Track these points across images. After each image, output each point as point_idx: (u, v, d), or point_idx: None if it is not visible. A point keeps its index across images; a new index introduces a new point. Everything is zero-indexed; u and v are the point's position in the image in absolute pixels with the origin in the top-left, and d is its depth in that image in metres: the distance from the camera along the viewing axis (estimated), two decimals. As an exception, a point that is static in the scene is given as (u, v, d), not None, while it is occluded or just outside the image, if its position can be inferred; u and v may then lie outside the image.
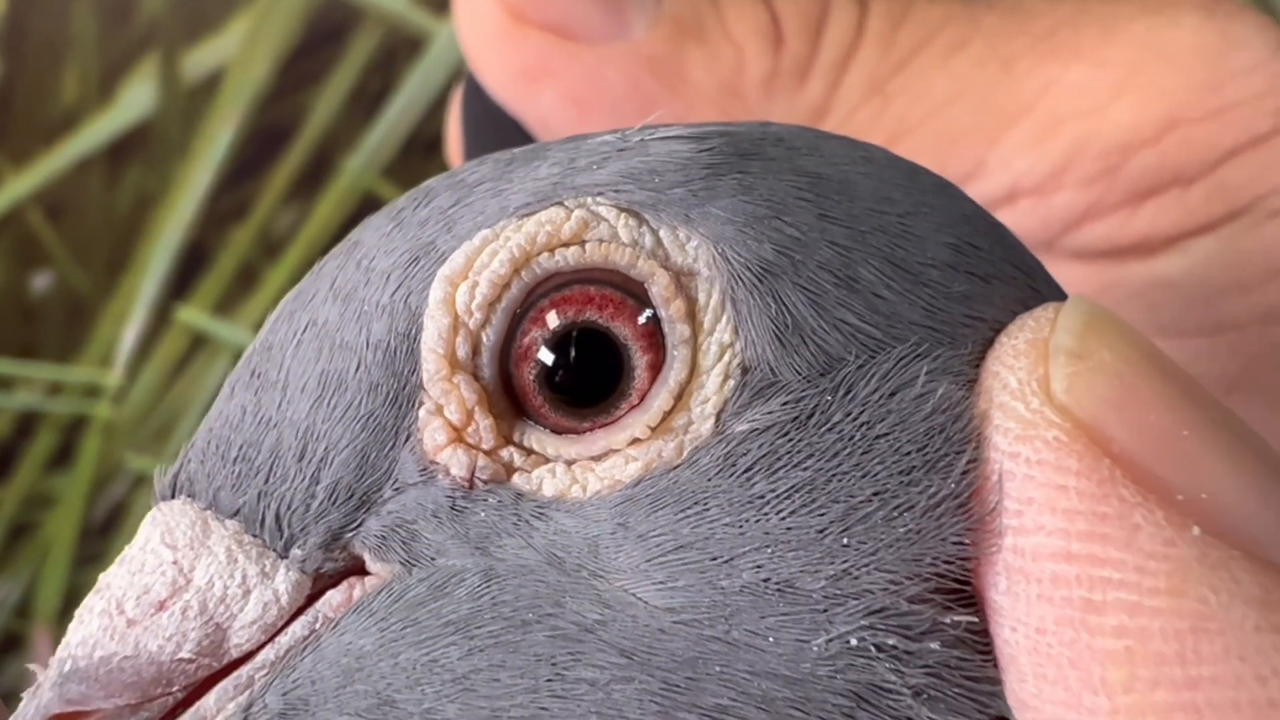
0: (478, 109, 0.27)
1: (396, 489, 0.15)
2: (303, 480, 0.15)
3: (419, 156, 0.55)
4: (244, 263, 0.55)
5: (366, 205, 0.54)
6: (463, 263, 0.14)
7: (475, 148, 0.27)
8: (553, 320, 0.14)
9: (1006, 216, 0.24)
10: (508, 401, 0.15)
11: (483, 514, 0.14)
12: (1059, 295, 0.15)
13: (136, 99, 0.55)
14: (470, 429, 0.15)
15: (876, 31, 0.24)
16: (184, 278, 0.55)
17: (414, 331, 0.15)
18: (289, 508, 0.15)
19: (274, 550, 0.15)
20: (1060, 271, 0.25)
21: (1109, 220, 0.24)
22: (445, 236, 0.15)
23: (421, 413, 0.15)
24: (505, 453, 0.15)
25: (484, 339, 0.14)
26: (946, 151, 0.24)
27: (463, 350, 0.14)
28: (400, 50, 0.55)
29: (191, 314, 0.55)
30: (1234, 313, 0.24)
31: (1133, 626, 0.13)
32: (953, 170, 0.24)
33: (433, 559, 0.14)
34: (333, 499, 0.15)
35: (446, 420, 0.15)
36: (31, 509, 0.56)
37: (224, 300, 0.55)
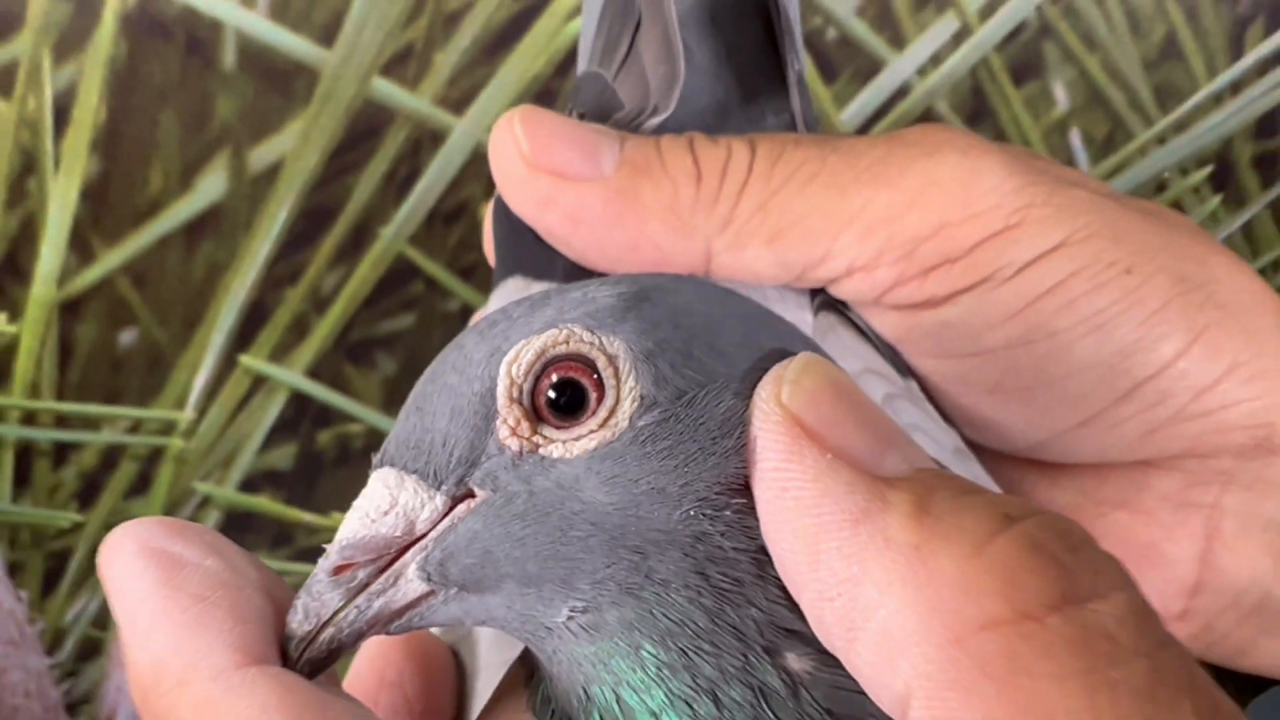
0: (504, 220, 0.34)
1: (488, 457, 0.23)
2: (445, 456, 0.23)
3: (440, 226, 0.58)
4: (297, 317, 0.59)
5: (399, 266, 0.58)
6: (513, 355, 0.23)
7: (504, 246, 0.35)
8: (554, 377, 0.23)
9: (847, 284, 0.31)
10: (534, 414, 0.23)
11: (526, 467, 0.23)
12: (806, 349, 0.23)
13: (210, 187, 0.57)
14: (519, 428, 0.23)
15: (760, 170, 0.31)
16: (247, 331, 0.58)
17: (492, 387, 0.23)
18: (440, 468, 0.23)
19: (434, 487, 0.23)
20: (884, 318, 0.32)
21: (909, 286, 0.31)
22: (504, 343, 0.23)
23: (497, 423, 0.23)
24: (534, 439, 0.23)
25: (524, 387, 0.23)
26: (806, 245, 0.31)
27: (515, 393, 0.23)
28: (425, 142, 0.57)
29: (252, 360, 0.58)
30: (989, 341, 0.31)
31: (772, 497, 0.21)
32: (810, 255, 0.31)
33: (507, 487, 0.23)
34: (459, 463, 0.23)
35: (509, 425, 0.23)
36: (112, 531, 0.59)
37: (279, 348, 0.59)
